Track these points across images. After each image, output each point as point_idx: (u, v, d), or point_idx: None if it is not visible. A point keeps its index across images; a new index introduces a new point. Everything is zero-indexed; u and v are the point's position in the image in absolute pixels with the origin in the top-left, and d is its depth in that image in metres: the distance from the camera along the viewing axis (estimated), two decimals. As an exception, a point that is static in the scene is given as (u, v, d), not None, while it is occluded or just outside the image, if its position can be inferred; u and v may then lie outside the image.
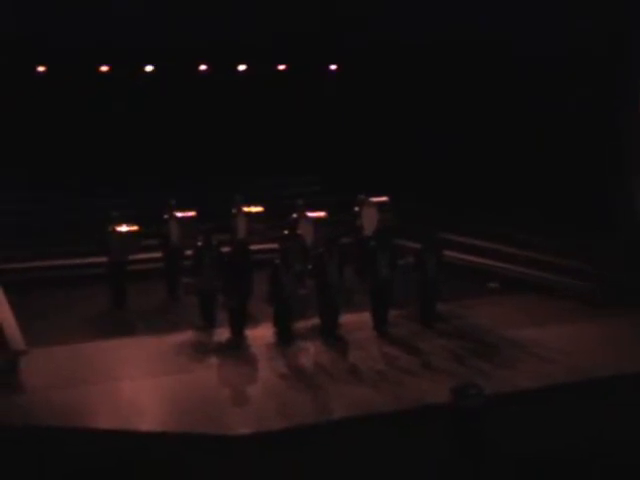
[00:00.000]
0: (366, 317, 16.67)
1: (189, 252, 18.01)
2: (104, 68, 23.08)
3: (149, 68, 23.31)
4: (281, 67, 24.72)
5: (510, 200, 21.74)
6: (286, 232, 18.50)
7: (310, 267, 16.68)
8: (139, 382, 14.23)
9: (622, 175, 20.10)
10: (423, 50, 21.55)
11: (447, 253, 18.12)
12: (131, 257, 18.85)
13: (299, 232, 18.80)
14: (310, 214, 19.64)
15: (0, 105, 22.39)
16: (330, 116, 25.41)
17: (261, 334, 16.31)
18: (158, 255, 19.63)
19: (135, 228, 18.77)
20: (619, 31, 19.41)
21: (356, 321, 16.69)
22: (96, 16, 17.51)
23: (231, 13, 18.45)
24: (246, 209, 20.16)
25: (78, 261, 20.67)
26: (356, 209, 20.63)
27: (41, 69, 22.81)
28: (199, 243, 17.25)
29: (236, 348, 15.81)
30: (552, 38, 19.59)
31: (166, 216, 19.41)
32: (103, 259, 18.94)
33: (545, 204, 21.18)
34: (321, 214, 19.80)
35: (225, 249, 17.61)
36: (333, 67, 25.14)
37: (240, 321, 16.22)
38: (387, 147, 24.72)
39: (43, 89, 22.94)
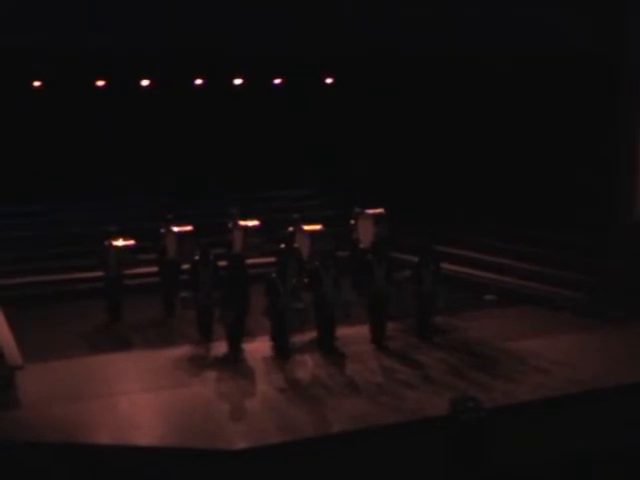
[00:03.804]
0: (363, 330, 16.66)
1: (186, 266, 17.99)
2: (100, 82, 23.07)
3: (145, 82, 23.29)
4: (277, 81, 24.75)
5: (504, 210, 21.83)
6: (282, 246, 18.46)
7: (307, 280, 16.65)
8: (136, 396, 14.17)
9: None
10: (418, 62, 21.61)
11: (443, 265, 18.10)
12: (128, 271, 18.85)
13: (295, 246, 18.77)
14: (306, 227, 19.62)
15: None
16: (325, 129, 25.46)
17: (258, 348, 16.28)
18: (155, 269, 19.66)
19: (132, 242, 18.76)
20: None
21: (353, 334, 16.67)
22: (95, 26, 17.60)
23: (228, 26, 18.47)
24: (242, 223, 20.12)
25: (74, 276, 20.68)
26: (352, 222, 20.61)
27: (37, 83, 22.77)
28: (196, 257, 17.23)
29: (233, 362, 15.77)
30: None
31: (163, 230, 19.43)
32: (99, 273, 18.97)
33: (541, 208, 21.27)
34: (317, 227, 19.76)
35: (222, 263, 17.59)
36: (329, 80, 25.16)
37: (237, 335, 16.17)
38: (382, 160, 24.78)
39: (40, 101, 22.96)
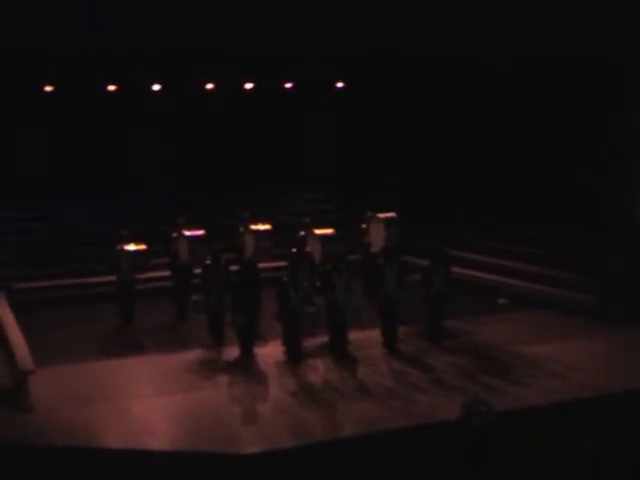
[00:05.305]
0: (375, 334, 16.67)
1: (198, 270, 18.01)
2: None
3: (156, 87, 23.29)
4: (288, 85, 24.73)
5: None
6: (294, 249, 18.46)
7: (318, 284, 16.67)
8: (148, 400, 14.21)
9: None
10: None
11: (454, 269, 18.11)
12: (139, 276, 18.86)
13: (307, 249, 18.79)
14: (318, 231, 19.63)
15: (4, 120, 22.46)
16: (336, 133, 25.46)
17: (270, 352, 16.32)
18: (167, 274, 19.67)
19: (143, 247, 18.79)
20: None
21: (365, 338, 16.69)
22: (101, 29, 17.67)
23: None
24: (254, 227, 20.14)
25: (86, 280, 20.70)
26: (363, 226, 20.62)
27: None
28: (208, 261, 17.25)
29: (245, 366, 15.79)
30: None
31: (175, 234, 19.46)
32: (111, 278, 18.99)
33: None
34: (329, 231, 19.75)
35: (233, 267, 17.61)
36: (340, 84, 25.17)
37: (249, 339, 16.21)
38: (393, 163, 24.79)
39: (50, 105, 22.93)
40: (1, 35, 16.87)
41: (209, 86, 23.99)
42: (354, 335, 16.52)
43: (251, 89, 24.26)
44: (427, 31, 19.31)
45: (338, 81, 25.02)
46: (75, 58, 19.33)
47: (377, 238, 20.14)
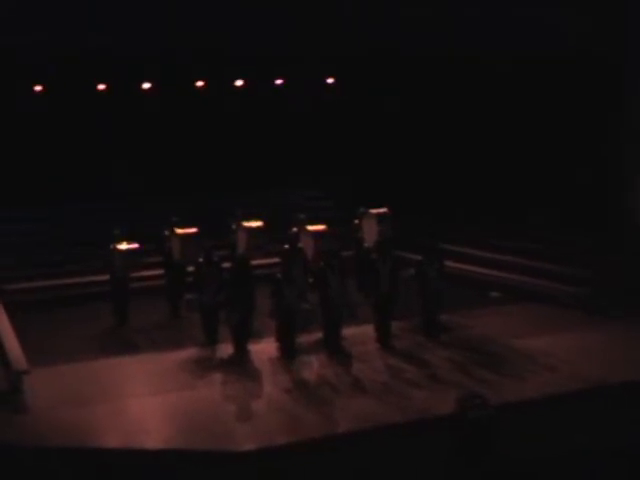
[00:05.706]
0: (369, 330, 16.60)
1: (191, 268, 17.98)
2: (102, 86, 23.04)
3: (147, 85, 23.31)
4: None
5: (504, 210, 21.85)
6: (287, 246, 18.45)
7: (312, 281, 16.64)
8: (143, 400, 14.18)
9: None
10: (418, 62, 21.68)
11: (448, 263, 18.08)
12: (133, 274, 18.83)
13: (300, 246, 18.78)
14: (310, 227, 19.62)
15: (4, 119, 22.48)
16: (330, 129, 25.47)
17: (264, 349, 16.27)
18: (160, 272, 19.64)
19: (136, 245, 18.77)
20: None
21: (359, 334, 16.63)
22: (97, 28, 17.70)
23: (228, 26, 18.58)
24: (246, 224, 20.12)
25: (79, 280, 20.68)
26: (356, 221, 20.61)
27: (37, 83, 22.69)
28: (200, 259, 17.23)
29: (239, 363, 15.75)
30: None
31: (168, 233, 19.44)
32: (105, 277, 18.97)
33: (541, 208, 21.28)
34: (321, 227, 19.75)
35: (226, 264, 17.59)
36: (329, 80, 25.20)
37: (243, 336, 16.18)
38: (386, 159, 24.80)
39: (50, 105, 22.94)
40: (1, 35, 16.94)
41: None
42: (348, 331, 16.47)
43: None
44: (427, 31, 19.38)
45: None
46: (75, 58, 19.34)
47: (370, 233, 20.12)
